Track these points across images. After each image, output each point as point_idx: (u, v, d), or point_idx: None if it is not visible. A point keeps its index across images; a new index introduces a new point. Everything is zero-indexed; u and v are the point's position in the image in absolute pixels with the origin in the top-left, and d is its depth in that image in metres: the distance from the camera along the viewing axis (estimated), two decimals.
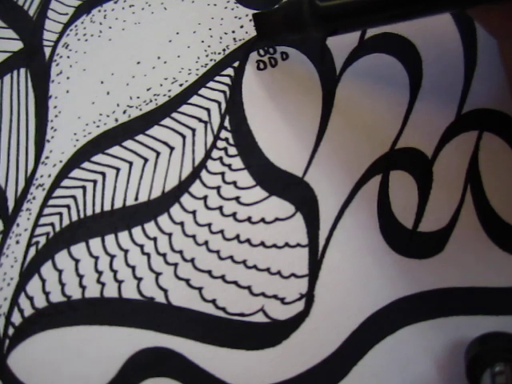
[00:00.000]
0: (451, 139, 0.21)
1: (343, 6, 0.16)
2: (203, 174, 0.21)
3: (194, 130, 0.22)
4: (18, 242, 0.21)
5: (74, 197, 0.21)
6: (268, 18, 0.20)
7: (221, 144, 0.21)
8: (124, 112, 0.22)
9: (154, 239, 0.21)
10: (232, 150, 0.21)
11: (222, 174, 0.21)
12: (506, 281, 0.20)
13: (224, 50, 0.23)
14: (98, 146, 0.22)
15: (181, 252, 0.20)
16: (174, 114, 0.22)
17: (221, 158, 0.21)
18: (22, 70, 0.23)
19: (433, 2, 0.16)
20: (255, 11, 0.23)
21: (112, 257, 0.20)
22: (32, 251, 0.21)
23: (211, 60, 0.23)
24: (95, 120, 0.22)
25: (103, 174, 0.22)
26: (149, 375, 0.19)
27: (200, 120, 0.22)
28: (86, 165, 0.22)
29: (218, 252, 0.20)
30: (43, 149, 0.22)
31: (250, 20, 0.23)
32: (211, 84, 0.22)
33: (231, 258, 0.20)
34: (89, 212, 0.21)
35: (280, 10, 0.19)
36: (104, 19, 0.24)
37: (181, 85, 0.22)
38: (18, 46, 0.24)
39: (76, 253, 0.21)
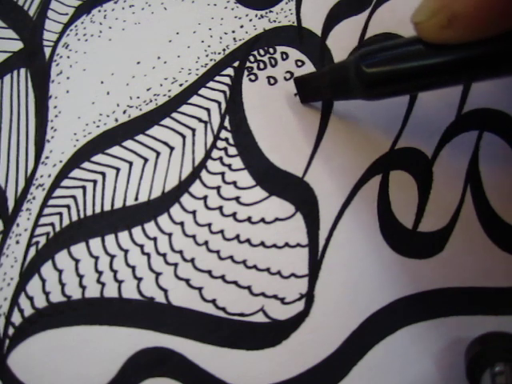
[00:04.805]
0: (451, 139, 0.21)
1: (390, 72, 0.16)
2: (203, 174, 0.21)
3: (193, 130, 0.22)
4: (18, 242, 0.21)
5: (73, 197, 0.21)
6: (311, 81, 0.20)
7: (221, 144, 0.21)
8: (124, 112, 0.22)
9: (154, 239, 0.21)
10: (232, 150, 0.21)
11: (222, 174, 0.21)
12: (506, 281, 0.20)
13: (224, 49, 0.23)
14: (97, 145, 0.22)
15: (181, 252, 0.20)
16: (174, 114, 0.22)
17: (221, 158, 0.21)
18: (22, 70, 0.23)
19: (485, 70, 0.15)
20: (255, 11, 0.23)
21: (112, 257, 0.20)
22: (32, 251, 0.21)
23: (211, 60, 0.23)
24: (95, 120, 0.22)
25: (103, 174, 0.22)
26: (149, 375, 0.19)
27: (200, 120, 0.22)
28: (85, 165, 0.22)
29: (218, 252, 0.20)
30: (43, 149, 0.22)
31: (250, 20, 0.23)
32: (211, 84, 0.22)
33: (231, 257, 0.20)
34: (89, 212, 0.21)
35: (325, 75, 0.19)
36: (104, 19, 0.24)
37: (181, 85, 0.22)
38: (18, 46, 0.24)
39: (76, 253, 0.21)
